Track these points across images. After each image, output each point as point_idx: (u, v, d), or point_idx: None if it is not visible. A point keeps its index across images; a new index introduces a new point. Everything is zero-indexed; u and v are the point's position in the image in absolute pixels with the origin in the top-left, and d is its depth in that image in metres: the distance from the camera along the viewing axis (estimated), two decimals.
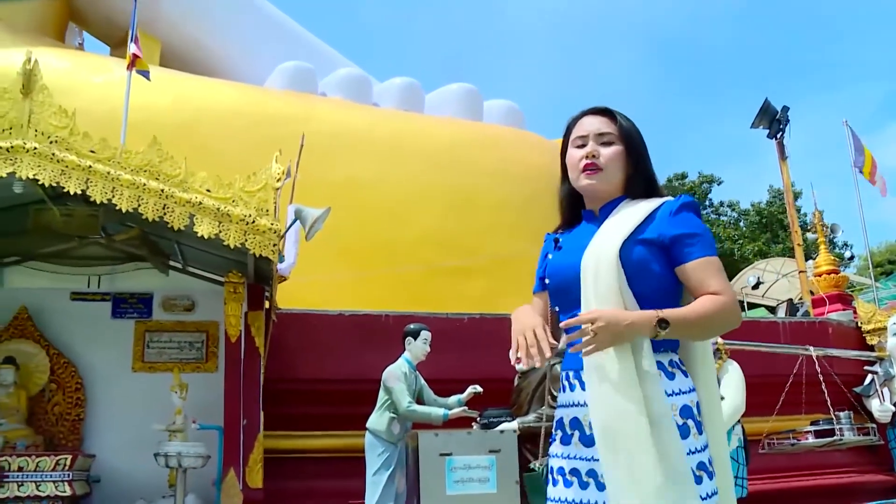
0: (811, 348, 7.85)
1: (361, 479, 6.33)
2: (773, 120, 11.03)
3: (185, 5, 12.29)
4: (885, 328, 9.10)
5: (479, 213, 10.29)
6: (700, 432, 2.02)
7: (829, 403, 7.49)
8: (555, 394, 6.03)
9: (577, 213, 2.31)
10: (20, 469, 5.42)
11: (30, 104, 4.97)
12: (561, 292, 2.17)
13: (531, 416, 5.63)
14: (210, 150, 9.44)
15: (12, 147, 4.86)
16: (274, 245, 5.05)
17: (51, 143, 4.92)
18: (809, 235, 24.73)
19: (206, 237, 4.95)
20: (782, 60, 72.05)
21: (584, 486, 2.08)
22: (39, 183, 4.87)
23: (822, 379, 7.59)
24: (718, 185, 30.61)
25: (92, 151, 4.94)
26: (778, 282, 19.78)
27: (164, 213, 4.91)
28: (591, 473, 2.06)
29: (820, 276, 10.51)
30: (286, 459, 6.74)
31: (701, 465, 1.97)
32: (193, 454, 5.59)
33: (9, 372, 6.07)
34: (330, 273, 9.05)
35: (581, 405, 2.10)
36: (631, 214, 2.13)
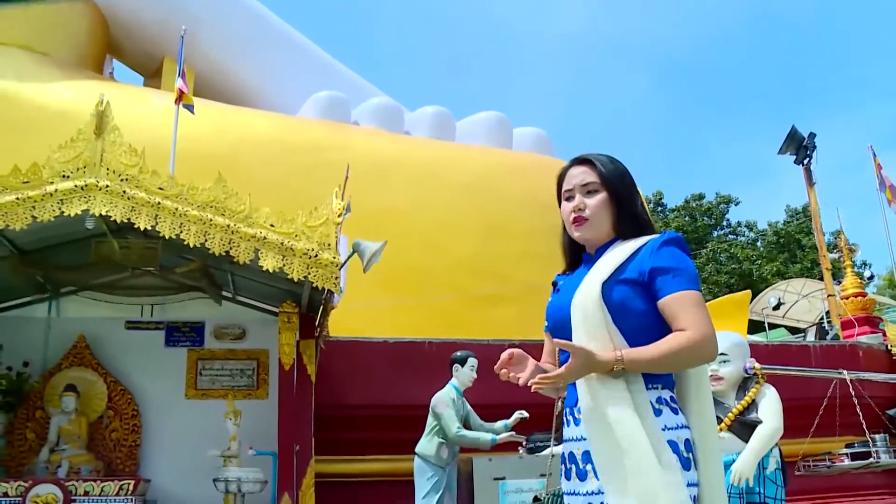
0: (845, 372, 7.97)
1: (410, 502, 6.49)
2: (799, 146, 11.19)
3: (221, 38, 12.60)
4: None
5: (511, 240, 10.48)
6: (686, 468, 2.05)
7: (864, 426, 7.60)
8: None
9: (580, 255, 2.39)
10: (86, 493, 5.60)
11: (102, 144, 5.20)
12: (558, 331, 2.25)
13: None
14: (251, 179, 9.67)
15: (86, 185, 5.09)
16: (336, 278, 5.24)
17: (122, 180, 5.14)
18: (830, 256, 24.80)
19: (270, 271, 5.15)
20: (799, 80, 72.20)
21: None
22: (112, 219, 5.08)
23: (856, 402, 7.71)
24: (736, 205, 30.73)
25: (160, 188, 5.16)
26: (798, 302, 19.85)
27: (230, 248, 5.11)
28: None
29: (847, 298, 10.63)
30: (335, 483, 6.90)
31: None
32: (252, 479, 5.76)
33: (71, 399, 6.27)
34: (367, 301, 9.24)
35: (575, 440, 2.18)
36: (615, 255, 2.20)
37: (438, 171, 10.73)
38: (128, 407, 6.58)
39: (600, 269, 2.18)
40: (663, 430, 2.06)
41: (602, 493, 2.07)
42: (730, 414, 6.61)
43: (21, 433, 6.28)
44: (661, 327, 2.11)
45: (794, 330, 20.34)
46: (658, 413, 2.07)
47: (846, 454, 7.52)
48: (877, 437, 7.60)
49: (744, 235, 30.57)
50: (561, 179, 2.37)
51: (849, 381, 7.87)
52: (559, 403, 2.35)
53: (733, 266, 27.31)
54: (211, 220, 5.12)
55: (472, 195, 10.66)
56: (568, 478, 2.22)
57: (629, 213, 2.27)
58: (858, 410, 7.62)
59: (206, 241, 5.11)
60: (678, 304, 2.08)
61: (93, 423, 6.44)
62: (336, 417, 7.10)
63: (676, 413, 2.11)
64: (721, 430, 6.57)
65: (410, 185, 10.46)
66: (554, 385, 2.06)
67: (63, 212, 5.06)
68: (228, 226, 5.13)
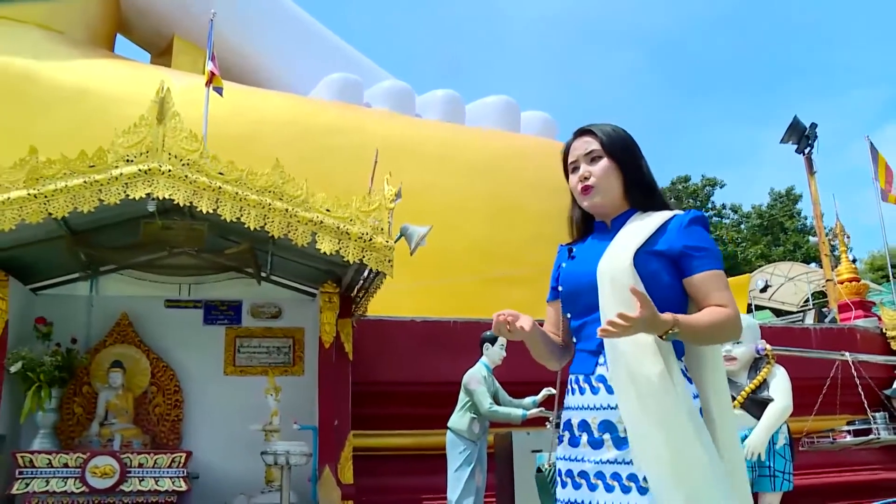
0: (847, 354, 8.36)
1: (439, 475, 6.79)
2: (801, 136, 11.54)
3: (233, 18, 12.65)
4: None
5: (522, 223, 10.75)
6: None
7: (865, 405, 8.01)
8: None
9: (590, 227, 2.39)
10: (140, 465, 5.84)
11: (163, 129, 5.38)
12: (573, 299, 2.25)
13: None
14: (268, 160, 9.85)
15: (150, 169, 5.28)
16: (389, 261, 5.49)
17: (183, 165, 5.34)
18: (812, 239, 25.28)
19: (328, 253, 5.38)
20: (783, 63, 72.87)
21: (592, 488, 2.14)
22: (174, 202, 5.29)
23: (857, 382, 8.10)
24: (721, 187, 31.26)
25: (220, 173, 5.36)
26: (784, 285, 20.37)
27: (289, 231, 5.33)
28: (600, 475, 2.12)
29: (842, 283, 11.04)
30: (369, 457, 7.18)
31: None
32: (299, 452, 6.01)
33: (118, 375, 6.48)
34: (386, 282, 9.48)
35: (591, 408, 2.18)
36: (643, 226, 2.20)
37: (451, 154, 10.96)
38: (170, 383, 6.80)
39: (629, 237, 2.19)
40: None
41: (622, 462, 2.08)
42: (742, 392, 7.00)
43: (69, 407, 6.49)
44: (683, 302, 2.17)
45: (778, 312, 20.87)
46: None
47: (848, 431, 7.90)
48: (877, 415, 7.99)
49: (729, 218, 31.10)
50: (566, 154, 2.38)
51: (850, 363, 8.27)
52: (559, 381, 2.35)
53: (719, 248, 27.84)
54: (270, 204, 5.34)
55: (485, 178, 10.91)
56: (574, 444, 2.21)
57: (636, 179, 2.28)
58: (860, 390, 8.03)
59: (265, 224, 5.33)
60: (713, 282, 2.13)
61: (137, 397, 6.66)
62: (366, 393, 7.36)
63: (690, 382, 2.15)
64: (734, 407, 6.97)
65: (424, 167, 10.67)
66: (624, 331, 1.96)
67: (128, 195, 5.26)
68: (287, 210, 5.35)
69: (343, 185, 7.69)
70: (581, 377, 2.23)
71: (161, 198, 5.28)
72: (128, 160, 5.30)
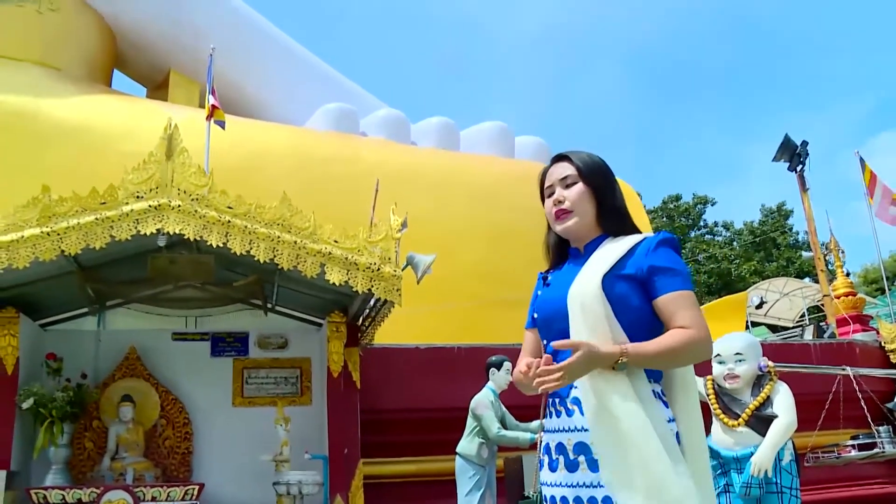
0: (848, 368, 8.47)
1: (446, 500, 6.83)
2: (793, 154, 11.72)
3: (225, 50, 12.79)
4: None
5: (519, 248, 10.81)
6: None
7: (869, 419, 8.10)
8: None
9: (565, 252, 2.40)
10: (153, 499, 5.86)
11: (172, 166, 5.47)
12: (547, 325, 2.26)
13: None
14: (269, 192, 9.94)
15: (160, 205, 5.36)
16: (398, 290, 5.56)
17: (192, 200, 5.42)
18: (805, 254, 25.48)
19: (336, 284, 5.46)
20: (768, 77, 73.68)
21: None
22: (185, 237, 5.36)
23: (860, 396, 8.20)
24: (712, 205, 31.46)
25: (229, 207, 5.44)
26: (779, 301, 20.52)
27: (298, 263, 5.41)
28: (578, 500, 2.13)
29: (839, 297, 11.16)
30: (376, 485, 7.21)
31: None
32: (311, 482, 6.05)
33: (128, 409, 6.52)
34: None
35: (566, 430, 2.19)
36: (612, 250, 2.21)
37: (448, 181, 11.09)
38: (179, 415, 6.83)
39: (598, 263, 2.20)
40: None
41: (597, 485, 2.09)
42: (747, 409, 7.06)
43: (80, 442, 6.51)
44: (655, 324, 2.17)
45: (774, 328, 21.01)
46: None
47: (853, 445, 8.00)
48: (881, 428, 8.09)
49: (721, 235, 31.33)
50: (542, 180, 2.41)
51: (852, 377, 8.38)
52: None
53: (712, 266, 28.02)
54: (279, 237, 5.42)
55: (481, 204, 11.03)
56: (553, 469, 2.22)
57: (610, 206, 2.30)
58: (863, 404, 8.12)
59: (274, 256, 5.41)
60: (677, 302, 2.12)
61: (147, 431, 6.68)
62: (372, 421, 7.41)
63: (666, 406, 2.16)
64: (738, 424, 7.03)
65: (421, 194, 10.77)
66: (557, 383, 2.01)
67: (139, 230, 5.33)
68: (295, 242, 5.43)
69: (341, 214, 7.78)
70: (557, 400, 2.25)
71: (171, 233, 5.35)
72: (138, 196, 5.38)
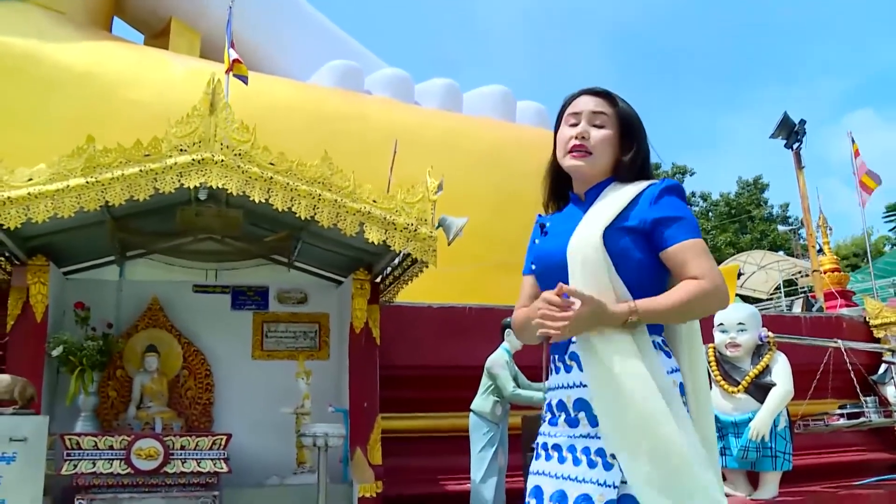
0: (839, 341, 8.80)
1: (457, 456, 7.06)
2: (791, 132, 11.96)
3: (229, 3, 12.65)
4: (892, 323, 10.17)
5: (520, 211, 10.93)
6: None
7: (858, 389, 8.46)
8: None
9: (564, 193, 2.31)
10: (182, 448, 5.97)
11: (215, 120, 5.50)
12: (547, 277, 2.17)
13: None
14: (275, 146, 9.94)
15: (203, 159, 5.40)
16: (433, 250, 5.69)
17: (235, 155, 5.47)
18: (781, 227, 26.00)
19: (375, 242, 5.57)
20: (749, 52, 74.15)
21: (561, 460, 2.12)
22: (228, 191, 5.42)
23: (850, 368, 8.55)
24: (691, 175, 31.85)
25: (271, 164, 5.50)
26: (755, 273, 20.99)
27: (338, 221, 5.50)
28: (571, 449, 2.10)
29: (825, 273, 11.54)
30: (390, 439, 7.40)
31: None
32: (336, 434, 6.20)
33: (153, 359, 6.60)
34: None
35: (566, 387, 2.14)
36: (614, 200, 2.11)
37: (452, 143, 11.16)
38: (201, 367, 6.94)
39: (599, 213, 2.11)
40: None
41: (594, 437, 2.05)
42: (746, 377, 7.37)
43: (104, 391, 6.60)
44: (660, 276, 2.10)
45: (747, 299, 21.52)
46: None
47: (841, 414, 8.34)
48: (868, 399, 8.44)
49: (698, 206, 31.78)
50: (566, 104, 2.26)
51: (843, 350, 8.71)
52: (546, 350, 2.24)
53: (695, 217, 28.48)
54: (320, 194, 5.50)
55: (485, 167, 11.14)
56: (553, 424, 2.18)
57: (628, 158, 2.19)
58: (852, 376, 8.47)
59: (315, 213, 5.49)
60: (687, 252, 2.04)
61: (170, 381, 6.78)
62: (386, 377, 7.58)
63: (669, 356, 2.11)
64: (738, 391, 7.34)
65: (426, 155, 10.75)
66: (557, 332, 1.97)
67: (182, 184, 5.38)
68: (336, 200, 5.52)
69: (348, 171, 7.86)
70: (557, 356, 2.19)
71: (214, 187, 5.41)
72: (181, 150, 5.42)
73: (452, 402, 7.54)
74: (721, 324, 7.51)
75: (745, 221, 29.76)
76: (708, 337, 7.31)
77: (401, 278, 6.63)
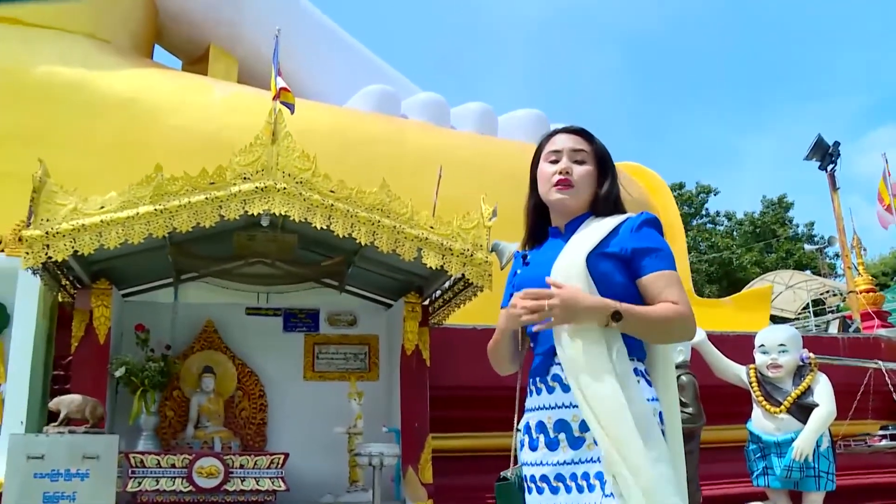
0: (880, 362, 8.85)
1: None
2: (825, 154, 12.05)
3: (264, 27, 12.91)
4: None
5: None
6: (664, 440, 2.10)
7: None
8: (685, 401, 6.94)
9: (542, 228, 2.41)
10: (241, 466, 6.13)
11: (277, 149, 5.69)
12: None
13: None
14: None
15: (266, 187, 5.59)
16: (489, 275, 5.84)
17: (297, 183, 5.65)
18: (807, 246, 25.98)
19: (432, 267, 5.72)
20: (765, 70, 74.26)
21: (554, 491, 2.16)
22: (291, 218, 5.60)
23: (891, 388, 8.59)
24: (715, 195, 31.87)
25: (332, 191, 5.68)
26: (783, 293, 20.98)
27: (396, 247, 5.66)
28: (560, 478, 2.15)
29: (861, 293, 11.57)
30: (437, 458, 7.51)
31: None
32: (392, 454, 6.34)
33: (210, 380, 6.78)
34: None
35: (546, 408, 2.20)
36: (596, 230, 2.22)
37: (489, 166, 11.29)
38: (255, 387, 7.10)
39: (582, 240, 2.20)
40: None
41: (578, 462, 2.11)
42: (788, 398, 7.43)
43: (162, 411, 6.76)
44: (637, 303, 2.15)
45: (775, 318, 21.50)
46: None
47: (883, 435, 8.38)
48: None
49: (722, 225, 31.78)
50: (544, 142, 2.41)
51: (884, 370, 8.76)
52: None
53: (714, 255, 28.44)
54: (379, 221, 5.67)
55: (519, 190, 11.25)
56: (533, 448, 2.22)
57: (603, 192, 2.30)
58: (894, 396, 8.51)
59: (374, 240, 5.65)
60: (663, 281, 2.14)
61: (225, 401, 6.94)
62: (434, 398, 7.71)
63: (650, 385, 2.17)
64: (780, 411, 7.40)
65: (463, 178, 10.96)
66: (532, 315, 2.04)
67: (246, 211, 5.56)
68: (395, 227, 5.68)
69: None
70: (538, 379, 2.26)
71: (277, 214, 5.59)
72: (245, 178, 5.60)
73: (497, 421, 7.59)
74: (762, 345, 7.59)
75: (770, 240, 29.75)
76: (748, 358, 7.39)
77: (452, 302, 6.76)
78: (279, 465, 6.25)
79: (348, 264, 6.76)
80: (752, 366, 7.52)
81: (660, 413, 2.12)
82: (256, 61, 13.22)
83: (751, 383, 7.56)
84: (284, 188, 5.60)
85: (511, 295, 2.35)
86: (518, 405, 2.40)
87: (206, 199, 5.49)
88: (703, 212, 31.62)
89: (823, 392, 7.31)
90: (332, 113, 11.48)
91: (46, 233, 5.25)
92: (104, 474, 5.30)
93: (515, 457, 2.39)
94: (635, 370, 2.12)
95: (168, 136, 10.26)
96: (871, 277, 11.90)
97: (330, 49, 13.67)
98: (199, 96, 10.98)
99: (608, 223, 2.22)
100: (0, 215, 7.24)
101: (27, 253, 5.21)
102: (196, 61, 13.34)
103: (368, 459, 6.32)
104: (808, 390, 7.37)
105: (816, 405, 7.21)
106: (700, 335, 7.28)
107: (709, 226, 31.32)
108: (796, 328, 17.44)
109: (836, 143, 12.10)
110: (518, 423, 2.40)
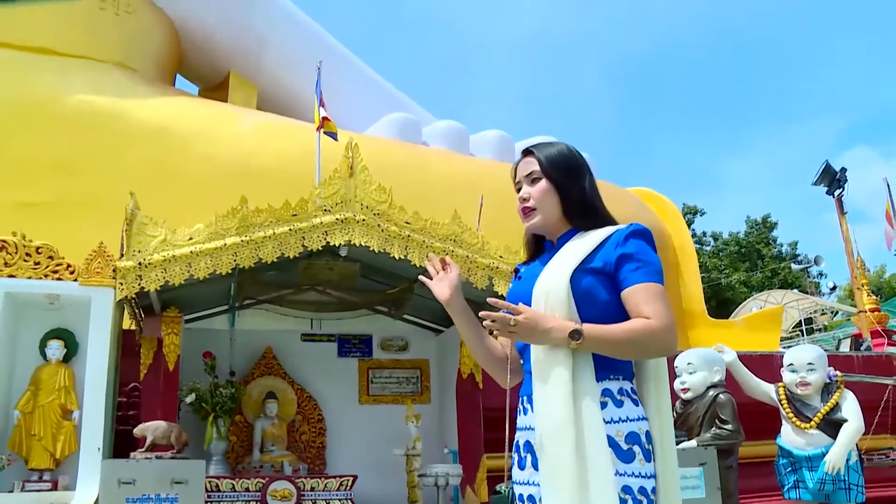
0: None
1: None
2: (832, 179, 12.49)
3: (285, 57, 13.20)
4: None
5: None
6: (648, 460, 2.03)
7: None
8: (724, 418, 7.24)
9: (542, 246, 2.35)
10: (312, 489, 6.30)
11: (355, 182, 5.93)
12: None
13: (708, 436, 6.80)
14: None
15: (346, 219, 5.83)
16: None
17: (374, 215, 5.89)
18: (794, 266, 26.55)
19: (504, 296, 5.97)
20: (745, 90, 75.64)
21: None
22: (370, 248, 5.83)
23: None
24: (702, 215, 32.42)
25: (407, 223, 5.93)
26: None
27: (469, 276, 5.92)
28: (532, 499, 2.10)
29: (869, 313, 11.99)
30: (490, 477, 7.71)
31: (642, 491, 1.99)
32: (455, 474, 6.55)
33: (273, 405, 6.96)
34: None
35: (525, 429, 2.17)
36: (582, 244, 2.15)
37: (510, 192, 11.56)
38: (313, 412, 7.29)
39: (567, 255, 2.15)
40: (625, 420, 2.04)
41: (537, 483, 2.07)
42: (818, 414, 7.76)
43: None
44: (623, 319, 2.08)
45: None
46: (619, 404, 2.06)
47: None
48: None
49: (709, 245, 32.31)
50: (513, 176, 2.38)
51: None
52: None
53: (702, 275, 28.95)
54: (452, 251, 5.92)
55: None
56: (521, 467, 2.20)
57: (575, 201, 2.23)
58: None
59: None
60: (641, 294, 2.06)
61: (287, 426, 7.12)
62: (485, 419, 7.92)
63: (637, 404, 2.09)
64: (810, 427, 7.73)
65: (487, 205, 11.27)
66: (497, 325, 1.99)
67: (328, 241, 5.79)
68: (467, 256, 5.94)
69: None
70: (525, 398, 2.22)
71: (357, 245, 5.82)
72: (326, 210, 5.83)
73: None
74: (791, 364, 7.90)
75: (755, 260, 30.32)
76: (777, 377, 7.69)
77: None
78: (348, 487, 6.43)
79: (410, 292, 6.99)
80: (780, 384, 7.84)
81: (646, 432, 2.07)
82: (277, 90, 13.47)
83: (780, 401, 7.88)
84: (364, 220, 5.84)
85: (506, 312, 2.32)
86: (508, 424, 2.36)
87: (290, 230, 5.71)
88: (691, 232, 32.11)
89: (851, 408, 7.64)
90: (357, 141, 11.69)
91: (139, 263, 5.44)
92: (192, 499, 5.44)
93: (510, 473, 2.34)
94: (620, 390, 2.08)
95: (200, 164, 10.46)
96: (876, 298, 12.32)
97: (350, 79, 13.94)
98: (229, 125, 11.19)
99: (594, 237, 2.16)
100: (41, 241, 7.36)
101: (121, 283, 5.39)
102: (214, 88, 13.55)
103: (434, 480, 6.53)
104: (837, 406, 7.70)
105: (845, 420, 7.54)
106: (731, 355, 7.58)
107: (696, 246, 31.82)
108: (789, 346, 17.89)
109: (843, 169, 12.54)
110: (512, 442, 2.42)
